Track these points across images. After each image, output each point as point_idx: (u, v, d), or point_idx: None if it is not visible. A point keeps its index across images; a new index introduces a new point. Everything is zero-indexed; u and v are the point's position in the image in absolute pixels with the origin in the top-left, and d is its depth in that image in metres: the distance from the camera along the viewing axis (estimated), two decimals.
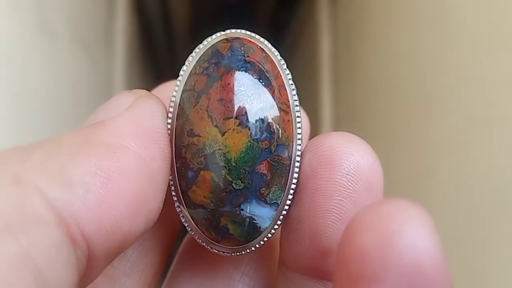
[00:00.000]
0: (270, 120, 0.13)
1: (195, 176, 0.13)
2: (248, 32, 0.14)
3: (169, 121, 0.13)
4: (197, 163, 0.13)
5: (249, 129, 0.13)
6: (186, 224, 0.14)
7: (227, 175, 0.12)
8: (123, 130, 0.12)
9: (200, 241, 0.14)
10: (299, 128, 0.14)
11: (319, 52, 0.78)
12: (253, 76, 0.13)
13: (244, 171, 0.13)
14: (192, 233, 0.14)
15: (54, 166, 0.10)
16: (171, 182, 0.13)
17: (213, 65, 0.13)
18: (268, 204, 0.13)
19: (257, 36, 0.14)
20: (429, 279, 0.08)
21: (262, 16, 1.08)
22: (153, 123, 0.12)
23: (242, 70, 0.13)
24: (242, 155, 0.12)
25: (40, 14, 0.40)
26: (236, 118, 0.12)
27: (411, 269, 0.08)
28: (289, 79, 0.14)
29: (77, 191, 0.10)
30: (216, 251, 0.14)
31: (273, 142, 0.13)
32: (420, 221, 0.08)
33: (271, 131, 0.13)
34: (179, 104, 0.13)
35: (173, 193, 0.13)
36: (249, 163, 0.13)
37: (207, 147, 0.12)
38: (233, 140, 0.12)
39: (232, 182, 0.13)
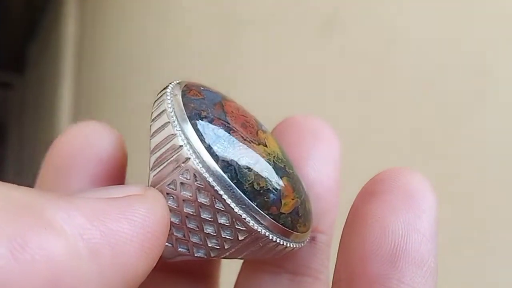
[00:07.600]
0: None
1: (279, 191, 0.13)
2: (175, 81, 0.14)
3: (214, 184, 0.12)
4: (273, 182, 0.13)
5: (264, 128, 0.14)
6: (275, 242, 0.13)
7: (288, 170, 0.14)
8: (79, 217, 0.10)
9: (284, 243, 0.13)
10: None
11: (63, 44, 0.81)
12: (227, 98, 0.14)
13: (286, 159, 0.14)
14: (280, 242, 0.13)
15: None
16: (266, 234, 0.13)
17: (209, 108, 0.13)
18: None
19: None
20: (421, 201, 0.12)
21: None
22: (126, 230, 0.10)
23: (222, 99, 0.14)
24: (280, 148, 0.14)
25: None
26: (257, 127, 0.14)
27: (410, 191, 0.12)
28: None
29: None
30: (294, 245, 0.14)
31: None
32: (424, 178, 0.12)
33: None
34: (220, 161, 0.12)
35: (271, 237, 0.13)
36: (283, 150, 0.14)
37: (269, 164, 0.13)
38: (271, 143, 0.14)
39: (292, 171, 0.14)
